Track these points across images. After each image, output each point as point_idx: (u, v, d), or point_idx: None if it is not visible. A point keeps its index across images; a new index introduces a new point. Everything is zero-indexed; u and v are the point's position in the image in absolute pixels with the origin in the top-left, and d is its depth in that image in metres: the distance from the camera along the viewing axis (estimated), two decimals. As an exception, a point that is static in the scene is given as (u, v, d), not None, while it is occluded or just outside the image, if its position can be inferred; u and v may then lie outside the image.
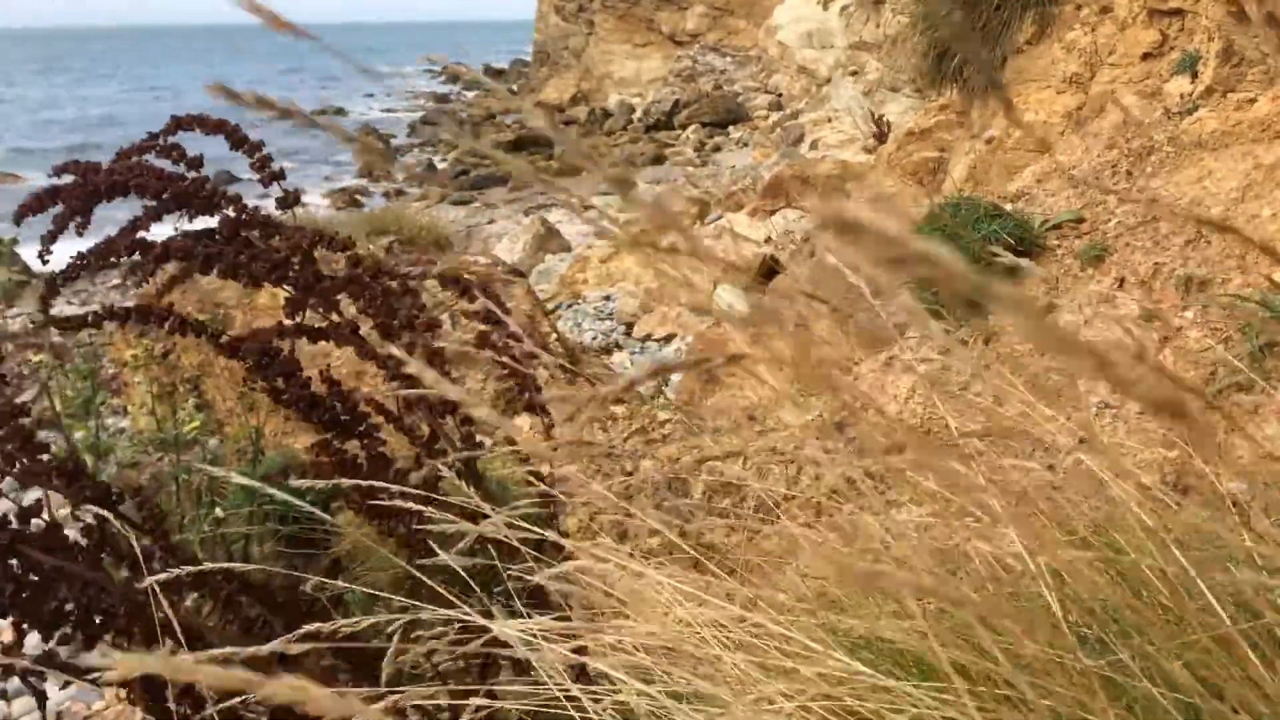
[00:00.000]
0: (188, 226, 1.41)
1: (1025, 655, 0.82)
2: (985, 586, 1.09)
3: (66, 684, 3.13)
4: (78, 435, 3.27)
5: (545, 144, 24.30)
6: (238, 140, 1.44)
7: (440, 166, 23.74)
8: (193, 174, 1.40)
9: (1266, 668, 0.82)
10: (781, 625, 1.00)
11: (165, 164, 1.43)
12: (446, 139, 27.78)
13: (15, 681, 3.63)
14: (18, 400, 1.23)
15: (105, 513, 1.16)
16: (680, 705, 1.02)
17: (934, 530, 1.30)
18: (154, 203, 1.40)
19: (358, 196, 21.07)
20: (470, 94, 39.63)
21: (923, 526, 1.32)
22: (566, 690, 1.01)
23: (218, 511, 3.18)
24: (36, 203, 1.38)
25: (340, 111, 37.60)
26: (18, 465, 1.16)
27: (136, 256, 1.38)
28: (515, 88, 37.64)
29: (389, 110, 39.30)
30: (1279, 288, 2.50)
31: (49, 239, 1.37)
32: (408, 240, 6.65)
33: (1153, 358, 0.57)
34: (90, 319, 1.37)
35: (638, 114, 26.19)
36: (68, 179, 1.41)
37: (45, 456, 1.17)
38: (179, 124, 1.44)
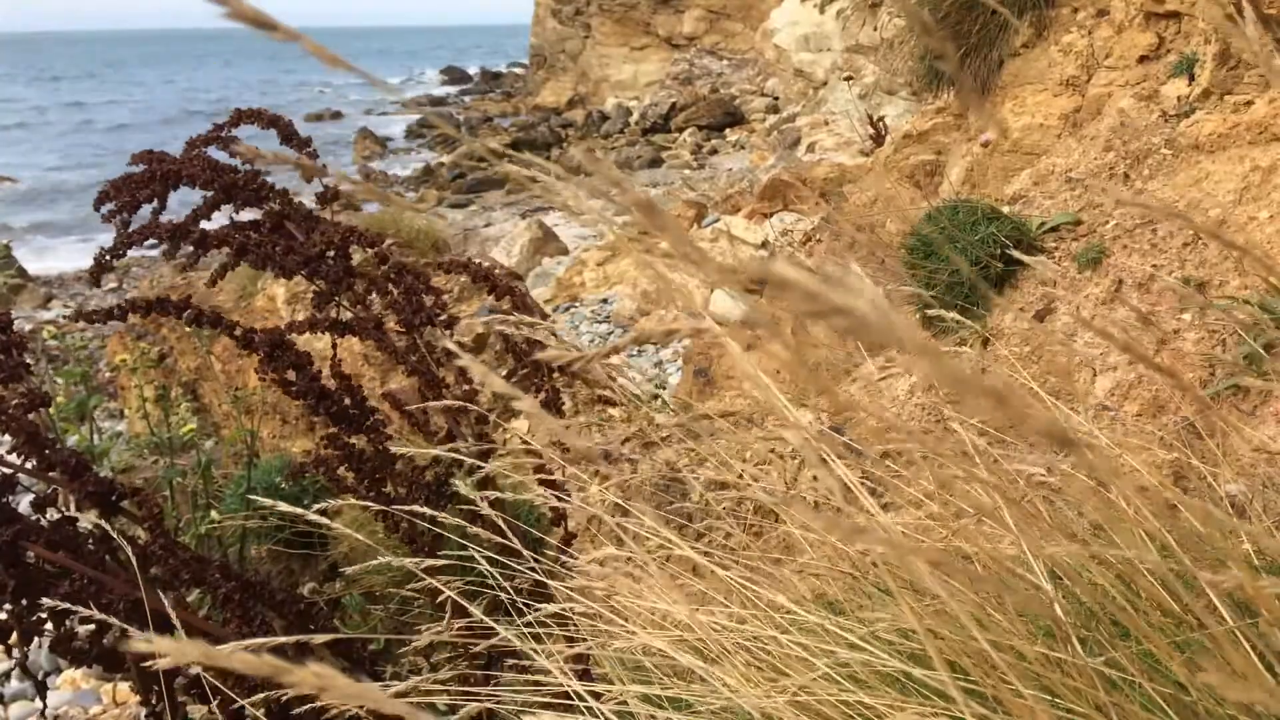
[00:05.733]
0: (241, 217, 1.45)
1: (1026, 654, 0.82)
2: (983, 589, 1.09)
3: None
4: (72, 440, 3.27)
5: (543, 145, 24.32)
6: (288, 135, 1.46)
7: (437, 169, 23.73)
8: (246, 166, 1.44)
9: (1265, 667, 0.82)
10: (782, 626, 1.00)
11: (223, 156, 1.47)
12: (444, 142, 27.78)
13: (13, 684, 3.61)
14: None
15: (103, 518, 1.16)
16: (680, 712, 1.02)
17: (931, 533, 1.30)
18: (208, 193, 1.44)
19: (354, 200, 21.04)
20: (468, 98, 39.64)
21: (921, 529, 1.32)
22: (566, 690, 1.01)
23: (213, 515, 3.18)
24: (113, 189, 1.42)
25: (337, 115, 37.61)
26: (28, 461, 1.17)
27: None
28: (512, 91, 37.65)
29: (386, 114, 39.31)
30: (1277, 291, 2.51)
31: (111, 219, 1.41)
32: (405, 243, 6.64)
33: (1152, 358, 0.57)
34: (115, 311, 1.38)
35: (635, 117, 26.20)
36: (140, 168, 1.45)
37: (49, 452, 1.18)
38: (241, 116, 1.47)
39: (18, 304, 13.05)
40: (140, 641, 0.39)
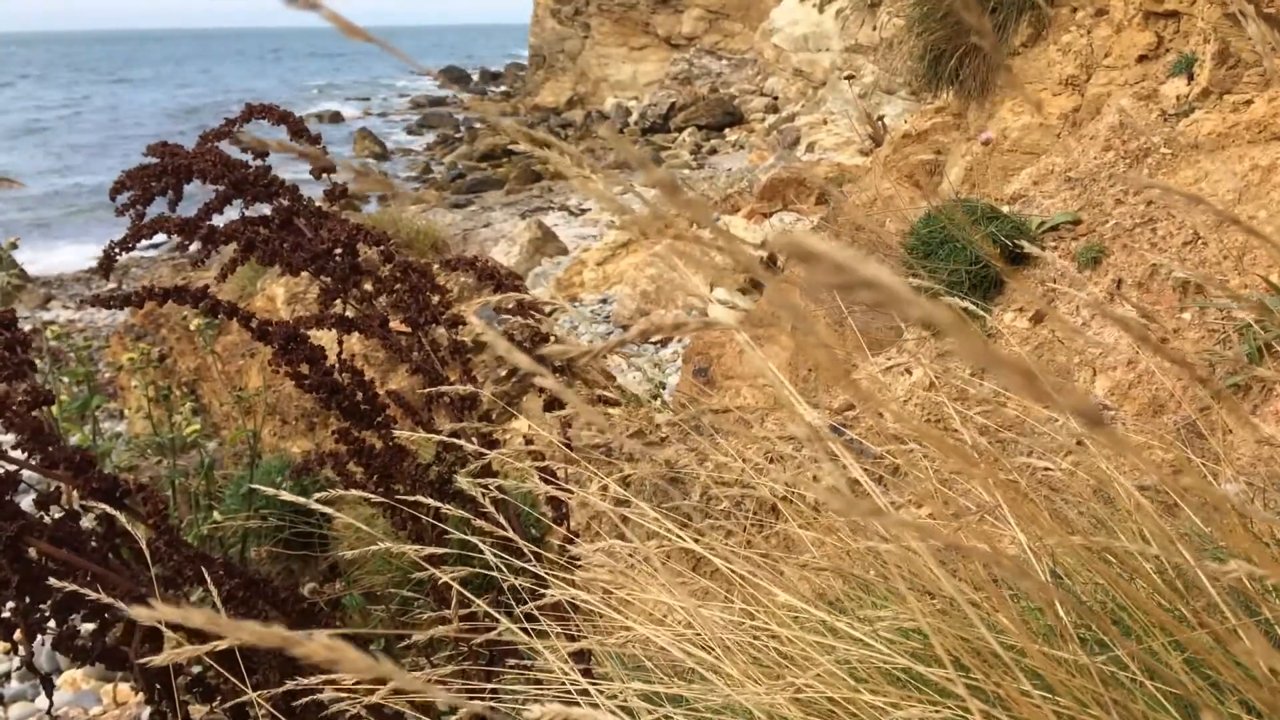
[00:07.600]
0: (251, 212, 1.46)
1: (1027, 651, 0.82)
2: (985, 586, 1.09)
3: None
4: (74, 439, 3.26)
5: (544, 144, 24.27)
6: (297, 131, 1.47)
7: (436, 170, 23.73)
8: (257, 162, 1.44)
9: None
10: (784, 626, 1.00)
11: (235, 151, 1.48)
12: (443, 142, 27.82)
13: (13, 685, 3.60)
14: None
15: (111, 510, 1.16)
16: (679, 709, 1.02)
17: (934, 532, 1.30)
18: (218, 188, 1.45)
19: (354, 200, 21.06)
20: (467, 97, 39.56)
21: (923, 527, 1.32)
22: (567, 686, 1.01)
23: (215, 515, 3.18)
24: (129, 179, 1.43)
25: (336, 117, 37.56)
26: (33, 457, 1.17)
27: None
28: (511, 91, 37.65)
29: (385, 114, 39.29)
30: (1277, 289, 2.51)
31: (124, 211, 1.42)
32: (404, 243, 6.65)
33: (1166, 348, 0.58)
34: (134, 297, 1.39)
35: (634, 117, 26.20)
36: (153, 160, 1.46)
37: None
38: (251, 111, 1.48)
39: (18, 304, 13.05)
40: (144, 609, 0.38)
